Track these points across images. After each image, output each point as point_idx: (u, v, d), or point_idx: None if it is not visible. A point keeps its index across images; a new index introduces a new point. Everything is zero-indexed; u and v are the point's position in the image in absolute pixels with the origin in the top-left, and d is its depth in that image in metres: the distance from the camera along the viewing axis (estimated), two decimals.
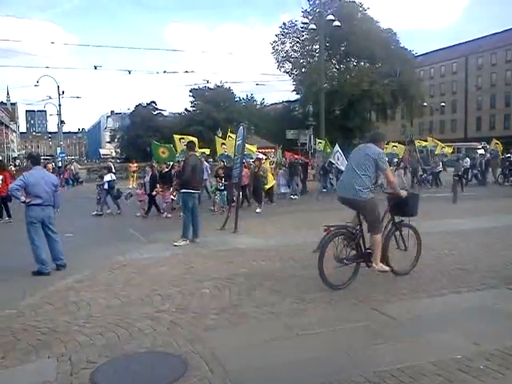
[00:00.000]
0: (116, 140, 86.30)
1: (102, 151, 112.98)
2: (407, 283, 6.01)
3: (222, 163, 15.98)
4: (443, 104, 68.52)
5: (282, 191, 18.81)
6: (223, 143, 18.57)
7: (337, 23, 29.83)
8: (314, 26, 34.43)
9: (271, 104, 74.61)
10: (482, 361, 3.73)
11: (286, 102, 62.44)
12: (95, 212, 14.56)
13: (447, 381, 3.44)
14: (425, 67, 67.10)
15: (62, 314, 5.13)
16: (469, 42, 70.85)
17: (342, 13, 40.43)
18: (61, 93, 39.70)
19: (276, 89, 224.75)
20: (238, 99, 71.88)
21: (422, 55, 59.76)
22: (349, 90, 45.08)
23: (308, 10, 47.07)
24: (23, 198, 7.09)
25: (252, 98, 73.83)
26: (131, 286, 6.22)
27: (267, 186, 16.34)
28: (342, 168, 20.16)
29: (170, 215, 13.78)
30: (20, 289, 6.25)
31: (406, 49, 51.27)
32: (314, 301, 5.37)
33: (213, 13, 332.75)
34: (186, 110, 72.56)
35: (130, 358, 3.98)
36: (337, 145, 19.78)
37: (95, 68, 33.34)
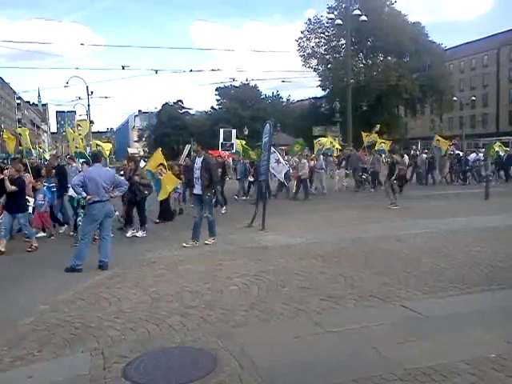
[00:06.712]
0: (143, 139, 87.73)
1: (130, 150, 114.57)
2: (438, 280, 5.91)
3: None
4: (474, 98, 66.89)
5: None
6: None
7: (363, 18, 29.54)
8: (340, 22, 34.11)
9: (297, 101, 74.29)
10: None
11: (312, 98, 62.04)
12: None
13: (480, 380, 3.37)
14: (454, 61, 65.57)
15: (94, 310, 5.24)
16: (500, 33, 68.66)
17: (369, 7, 40.01)
18: (90, 93, 40.39)
19: (302, 85, 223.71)
20: (263, 96, 71.96)
21: (451, 48, 58.43)
22: (376, 85, 44.59)
23: (334, 5, 46.83)
24: (85, 194, 7.30)
25: (278, 95, 73.83)
26: (161, 282, 6.30)
27: (160, 197, 11.24)
28: (279, 177, 15.77)
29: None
30: (53, 285, 6.42)
31: (435, 42, 50.34)
32: (342, 298, 5.34)
33: (237, 10, 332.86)
34: (212, 108, 73.14)
35: (160, 353, 4.04)
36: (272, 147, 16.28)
37: (123, 68, 33.71)
